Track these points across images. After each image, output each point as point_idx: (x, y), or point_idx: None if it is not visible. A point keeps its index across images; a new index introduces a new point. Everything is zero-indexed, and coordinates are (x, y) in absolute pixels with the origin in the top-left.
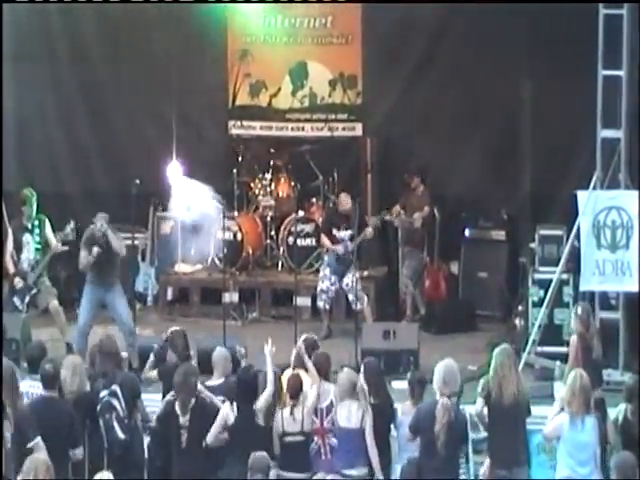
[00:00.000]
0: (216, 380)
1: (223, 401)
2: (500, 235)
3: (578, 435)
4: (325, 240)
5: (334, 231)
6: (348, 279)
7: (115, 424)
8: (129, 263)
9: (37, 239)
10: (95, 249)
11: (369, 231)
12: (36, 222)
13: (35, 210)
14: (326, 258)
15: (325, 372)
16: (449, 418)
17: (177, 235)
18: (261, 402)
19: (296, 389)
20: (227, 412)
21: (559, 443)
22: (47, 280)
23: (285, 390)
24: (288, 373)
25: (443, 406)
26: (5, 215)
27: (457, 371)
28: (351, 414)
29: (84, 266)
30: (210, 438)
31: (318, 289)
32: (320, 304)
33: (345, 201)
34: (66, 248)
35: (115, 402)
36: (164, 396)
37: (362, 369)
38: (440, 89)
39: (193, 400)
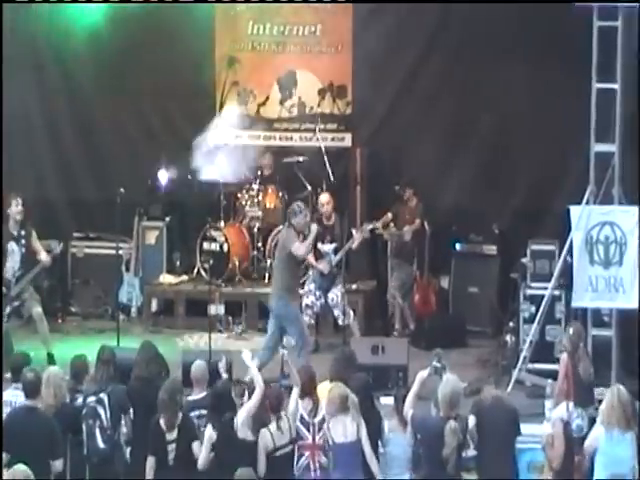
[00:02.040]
0: (197, 394)
1: (205, 415)
2: (491, 250)
3: (615, 449)
4: (308, 256)
5: (318, 244)
6: (333, 294)
7: (97, 432)
8: (113, 273)
9: (23, 250)
10: None
11: (356, 240)
12: (22, 232)
13: (22, 217)
14: (310, 273)
15: (311, 386)
16: (458, 441)
17: (162, 245)
18: (242, 415)
19: (277, 403)
20: (212, 433)
21: (596, 456)
22: (31, 288)
23: (267, 405)
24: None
25: (452, 430)
26: None
27: (462, 390)
28: (346, 429)
29: None
30: (201, 462)
31: (303, 304)
32: (305, 319)
33: (325, 203)
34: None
35: (100, 410)
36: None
37: (351, 384)
38: (431, 100)
39: (180, 417)
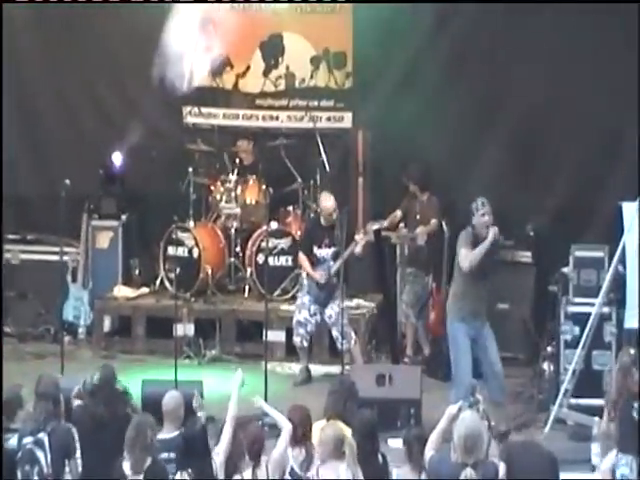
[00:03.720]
0: (168, 432)
1: (174, 460)
2: (525, 256)
3: None
4: (304, 261)
5: (315, 249)
6: (332, 310)
7: None
8: (56, 285)
9: None
10: None
11: (359, 244)
12: None
13: None
14: (305, 282)
15: (304, 431)
16: None
17: (117, 250)
18: (220, 456)
19: (256, 446)
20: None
21: None
22: None
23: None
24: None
25: None
26: None
27: (483, 431)
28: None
29: None
30: None
31: (294, 321)
32: (296, 340)
33: (327, 203)
34: None
35: (39, 453)
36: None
37: (350, 423)
38: (451, 71)
39: (149, 459)
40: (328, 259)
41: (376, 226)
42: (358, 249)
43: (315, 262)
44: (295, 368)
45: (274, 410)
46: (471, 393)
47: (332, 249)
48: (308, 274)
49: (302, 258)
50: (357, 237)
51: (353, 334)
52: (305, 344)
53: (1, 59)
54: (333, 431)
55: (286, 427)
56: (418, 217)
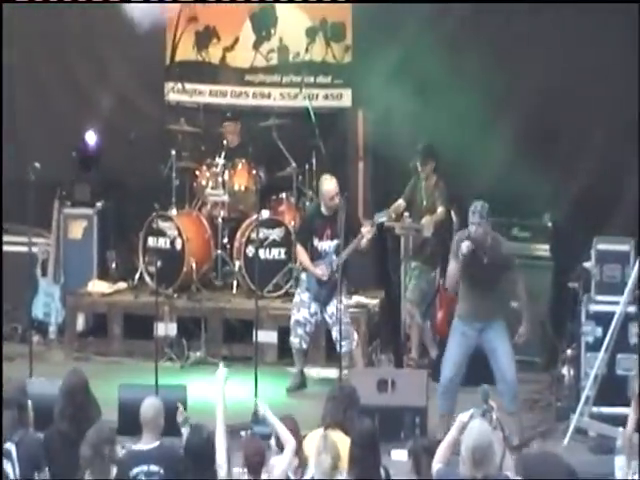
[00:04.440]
0: (146, 444)
1: (156, 473)
2: (542, 250)
3: None
4: (302, 255)
5: (315, 241)
6: (334, 308)
7: None
8: (24, 279)
9: None
10: None
11: (365, 237)
12: None
13: None
14: (303, 277)
15: (295, 442)
16: None
17: (92, 241)
18: (224, 468)
19: (258, 459)
20: None
21: None
22: None
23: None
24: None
25: None
26: None
27: (494, 442)
28: None
29: None
30: None
31: (292, 320)
32: (295, 341)
33: (328, 187)
34: None
35: (6, 465)
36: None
37: (350, 433)
38: (461, 44)
39: (113, 474)
40: (330, 252)
41: (384, 218)
42: (364, 243)
43: (315, 256)
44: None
45: (278, 422)
46: (483, 400)
47: (335, 241)
48: (307, 270)
49: (300, 251)
50: (364, 229)
51: (355, 335)
52: (304, 346)
53: (1, 58)
54: (329, 442)
55: (290, 443)
56: (424, 205)
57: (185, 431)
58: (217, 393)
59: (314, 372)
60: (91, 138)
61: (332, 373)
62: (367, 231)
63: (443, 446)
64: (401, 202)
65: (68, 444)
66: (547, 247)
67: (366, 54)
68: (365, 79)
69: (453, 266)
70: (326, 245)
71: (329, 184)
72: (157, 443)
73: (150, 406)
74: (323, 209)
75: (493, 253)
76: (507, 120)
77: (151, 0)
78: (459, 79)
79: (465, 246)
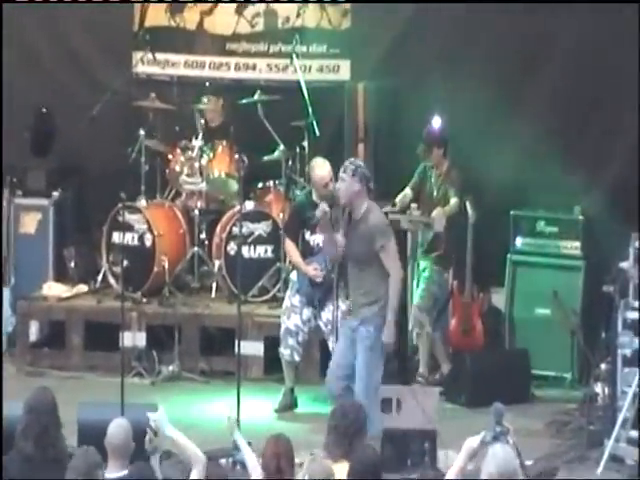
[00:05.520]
0: (112, 472)
1: None
2: (572, 247)
3: None
4: (292, 251)
5: (307, 235)
6: (330, 314)
7: None
8: None
9: None
10: None
11: None
12: None
13: None
14: (294, 278)
15: (286, 467)
16: None
17: (47, 236)
18: None
19: None
20: None
21: None
22: None
23: None
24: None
25: None
26: None
27: (518, 470)
28: None
29: None
30: None
31: (282, 328)
32: (285, 353)
33: (321, 171)
34: None
35: None
36: None
37: (350, 461)
38: (476, 9)
39: None
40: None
41: (386, 209)
42: None
43: (307, 252)
44: None
45: (246, 446)
46: (497, 421)
47: None
48: (298, 268)
49: (290, 247)
50: None
51: None
52: (297, 358)
53: (1, 58)
54: (323, 470)
55: (255, 474)
56: (435, 196)
57: (155, 459)
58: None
59: (306, 390)
60: (46, 116)
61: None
62: None
63: (450, 475)
64: (408, 192)
65: (30, 469)
66: (578, 244)
67: (367, 19)
68: (366, 48)
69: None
70: (320, 239)
71: (321, 169)
72: (125, 472)
73: (119, 429)
74: (315, 198)
75: (365, 226)
76: (531, 98)
77: (151, 0)
78: (477, 48)
79: (320, 209)
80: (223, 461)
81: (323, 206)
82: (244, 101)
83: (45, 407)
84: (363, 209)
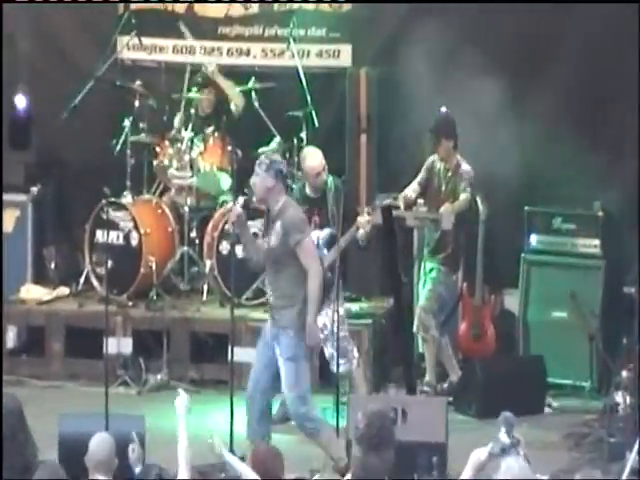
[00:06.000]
0: None
1: None
2: (591, 246)
3: None
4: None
5: None
6: (327, 317)
7: None
8: None
9: None
10: None
11: (363, 227)
12: None
13: None
14: None
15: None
16: None
17: (26, 235)
18: None
19: None
20: None
21: None
22: None
23: None
24: None
25: None
26: None
27: None
28: None
29: None
30: None
31: None
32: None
33: (312, 162)
34: None
35: None
36: None
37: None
38: None
39: None
40: (321, 246)
41: (387, 201)
42: (361, 234)
43: None
44: None
45: (236, 460)
46: (507, 431)
47: (326, 231)
48: None
49: None
50: (360, 218)
51: (356, 352)
52: None
53: (1, 57)
54: None
55: None
56: (443, 190)
57: (137, 469)
58: (179, 425)
59: None
60: (21, 102)
61: (326, 401)
62: (365, 220)
63: None
64: (415, 186)
65: None
66: (597, 242)
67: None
68: (369, 31)
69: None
70: (314, 235)
71: (313, 159)
72: None
73: (102, 444)
74: (308, 190)
75: (280, 222)
76: (546, 85)
77: (151, 0)
78: (489, 33)
79: (238, 202)
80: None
81: (240, 201)
82: (237, 89)
83: (10, 415)
84: (279, 206)
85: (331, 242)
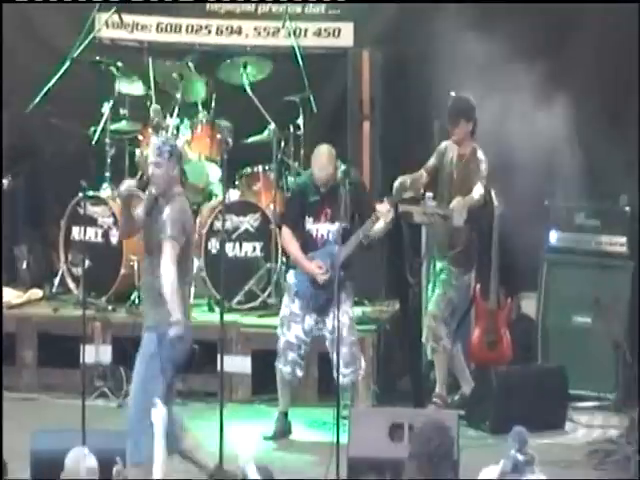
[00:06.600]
0: None
1: None
2: (617, 244)
3: None
4: (290, 244)
5: (308, 223)
6: (333, 320)
7: None
8: None
9: None
10: None
11: (382, 218)
12: None
13: None
14: (290, 281)
15: None
16: None
17: None
18: None
19: None
20: None
21: None
22: None
23: None
24: None
25: None
26: None
27: None
28: None
29: None
30: None
31: (282, 341)
32: (286, 370)
33: (323, 160)
34: None
35: None
36: None
37: None
38: None
39: None
40: (331, 241)
41: (409, 193)
42: (380, 226)
43: (308, 245)
44: None
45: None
46: (519, 447)
47: (336, 225)
48: (298, 265)
49: (287, 237)
50: (380, 207)
51: (362, 361)
52: (299, 374)
53: (1, 57)
54: None
55: None
56: (455, 178)
57: None
58: (155, 442)
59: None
60: None
61: (326, 414)
62: (386, 210)
63: None
64: (423, 175)
65: None
66: (624, 240)
67: None
68: (372, 9)
69: None
70: (324, 229)
71: (324, 157)
72: None
73: (78, 460)
74: (317, 181)
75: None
76: (567, 69)
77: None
78: (504, 9)
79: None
80: None
81: (127, 183)
82: None
83: None
84: (173, 192)
85: (343, 237)
